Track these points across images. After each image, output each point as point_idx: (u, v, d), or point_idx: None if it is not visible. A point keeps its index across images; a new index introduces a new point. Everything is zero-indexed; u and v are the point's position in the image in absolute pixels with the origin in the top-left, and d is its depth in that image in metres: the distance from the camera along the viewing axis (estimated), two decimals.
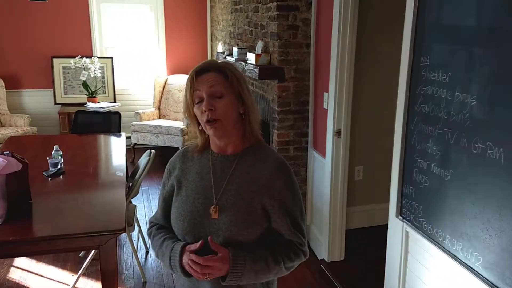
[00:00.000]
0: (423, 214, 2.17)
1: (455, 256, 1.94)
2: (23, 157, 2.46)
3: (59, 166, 3.07)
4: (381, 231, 2.65)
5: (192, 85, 1.29)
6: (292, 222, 1.36)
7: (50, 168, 3.04)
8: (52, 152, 3.13)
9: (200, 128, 1.34)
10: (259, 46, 3.68)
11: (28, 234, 2.23)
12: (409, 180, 2.24)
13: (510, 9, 1.61)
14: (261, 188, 1.32)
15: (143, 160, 3.17)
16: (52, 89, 5.83)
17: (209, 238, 1.29)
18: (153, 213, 4.18)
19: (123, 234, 2.53)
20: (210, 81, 1.28)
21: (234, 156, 1.36)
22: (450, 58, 1.91)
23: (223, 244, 1.30)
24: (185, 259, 1.29)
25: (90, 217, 2.43)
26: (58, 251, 2.36)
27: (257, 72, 3.43)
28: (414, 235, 2.24)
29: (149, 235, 1.52)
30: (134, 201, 4.38)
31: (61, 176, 3.02)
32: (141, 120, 5.60)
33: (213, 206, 1.32)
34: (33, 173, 2.91)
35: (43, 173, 3.00)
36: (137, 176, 3.05)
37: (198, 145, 1.40)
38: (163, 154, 5.99)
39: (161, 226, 1.49)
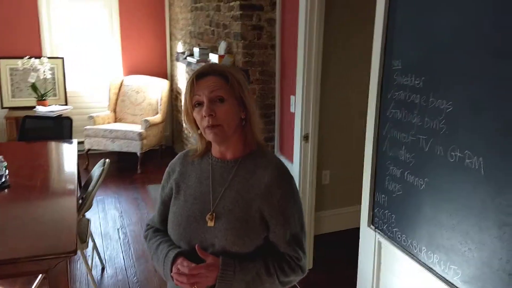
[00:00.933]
0: (396, 223, 2.08)
1: (432, 269, 1.86)
2: None
3: (3, 179, 2.79)
4: (349, 235, 2.56)
5: (192, 89, 1.25)
6: (290, 234, 1.30)
7: None
8: None
9: (200, 132, 1.31)
10: (222, 46, 3.51)
11: None
12: (381, 188, 2.15)
13: (487, 12, 1.53)
14: (260, 196, 1.27)
15: (96, 171, 2.93)
16: None
17: (196, 246, 1.26)
18: (109, 224, 3.97)
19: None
20: (211, 85, 1.24)
21: (234, 161, 1.32)
22: (424, 62, 1.82)
23: (218, 253, 1.26)
24: (174, 269, 1.27)
25: (37, 238, 2.19)
26: (1, 277, 2.10)
27: None
28: (388, 246, 2.15)
29: (145, 237, 1.47)
30: (89, 212, 4.11)
31: (5, 190, 2.75)
32: (95, 124, 5.29)
33: (209, 213, 1.28)
34: None
35: None
36: (90, 188, 2.81)
37: (198, 149, 1.37)
38: (119, 160, 5.71)
39: (158, 229, 1.45)
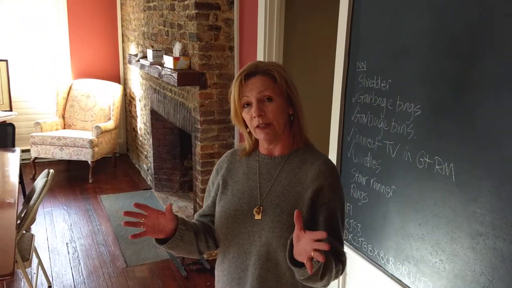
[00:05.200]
0: (362, 233, 1.99)
1: (400, 281, 1.77)
2: None
3: None
4: None
5: (240, 90, 1.26)
6: (333, 228, 1.26)
7: None
8: None
9: (248, 130, 1.32)
10: (177, 48, 3.33)
11: None
12: (346, 197, 2.05)
13: (453, 13, 1.46)
14: (307, 189, 1.26)
15: (39, 182, 2.68)
16: None
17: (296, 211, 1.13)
18: (57, 238, 3.68)
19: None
20: (259, 86, 1.25)
21: (282, 158, 1.33)
22: (390, 63, 1.74)
23: (264, 246, 1.26)
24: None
25: None
26: None
27: (176, 77, 3.08)
28: (353, 256, 2.05)
29: None
30: (35, 226, 3.81)
31: None
32: (42, 131, 4.94)
33: (257, 207, 1.29)
34: None
35: None
36: (32, 202, 2.56)
37: (246, 148, 1.38)
38: (69, 169, 5.39)
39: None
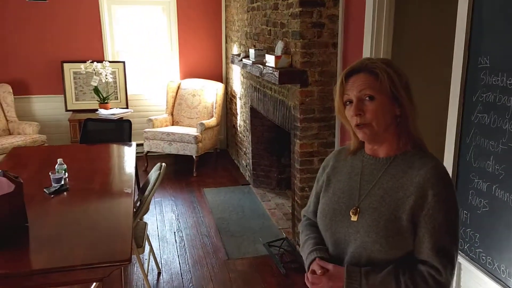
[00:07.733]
0: (480, 244, 1.83)
1: None
2: (17, 175, 2.19)
3: (62, 182, 2.81)
4: None
5: (341, 88, 1.25)
6: (436, 242, 1.18)
7: (53, 184, 2.79)
8: (56, 166, 2.88)
9: None
10: (279, 46, 3.36)
11: (20, 266, 1.96)
12: (463, 204, 1.90)
13: None
14: (409, 196, 1.19)
15: (153, 174, 2.89)
16: (62, 95, 5.61)
17: (317, 259, 1.28)
18: (166, 227, 3.94)
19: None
20: (360, 84, 1.22)
21: (386, 159, 1.28)
22: None
23: (359, 249, 1.23)
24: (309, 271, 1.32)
25: (93, 244, 2.15)
26: (54, 285, 2.08)
27: (277, 76, 3.11)
28: (469, 268, 1.90)
29: (300, 227, 1.53)
30: (147, 214, 4.11)
31: (64, 193, 2.76)
32: (153, 127, 5.33)
33: (354, 208, 1.27)
34: (32, 190, 2.69)
35: (45, 190, 2.75)
36: (147, 193, 2.77)
37: (351, 146, 1.36)
38: (176, 162, 5.74)
39: (311, 223, 1.48)
